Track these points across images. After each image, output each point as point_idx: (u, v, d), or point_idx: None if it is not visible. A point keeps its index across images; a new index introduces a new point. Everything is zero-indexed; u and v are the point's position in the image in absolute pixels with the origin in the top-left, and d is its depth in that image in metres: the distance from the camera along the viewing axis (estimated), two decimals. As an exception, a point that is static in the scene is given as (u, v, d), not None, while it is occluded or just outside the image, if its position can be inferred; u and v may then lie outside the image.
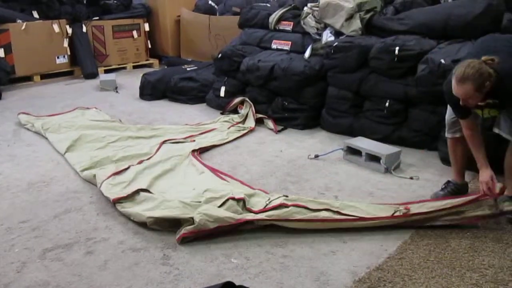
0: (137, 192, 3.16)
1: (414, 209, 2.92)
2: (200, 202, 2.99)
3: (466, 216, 2.88)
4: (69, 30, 7.33)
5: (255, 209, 2.96)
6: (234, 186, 3.34)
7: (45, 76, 7.19)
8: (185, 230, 2.75)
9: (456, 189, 3.25)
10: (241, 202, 2.97)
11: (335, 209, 2.91)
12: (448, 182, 3.31)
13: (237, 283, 2.09)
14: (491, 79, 2.61)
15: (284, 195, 3.10)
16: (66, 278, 2.45)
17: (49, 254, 2.66)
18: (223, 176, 3.57)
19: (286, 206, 2.92)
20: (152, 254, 2.65)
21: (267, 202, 3.01)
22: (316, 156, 4.02)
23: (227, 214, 2.82)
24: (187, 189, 3.36)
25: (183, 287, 2.37)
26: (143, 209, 2.98)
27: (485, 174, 2.88)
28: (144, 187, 3.26)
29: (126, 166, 3.67)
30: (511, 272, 2.46)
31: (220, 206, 2.92)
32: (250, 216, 2.86)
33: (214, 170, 3.68)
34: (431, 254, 2.62)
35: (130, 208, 3.04)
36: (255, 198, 3.10)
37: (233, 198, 2.96)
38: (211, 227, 2.74)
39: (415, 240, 2.76)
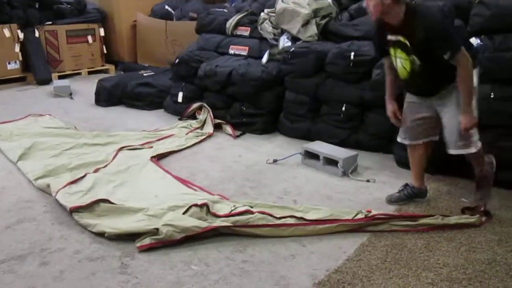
0: (97, 202, 3.08)
1: (375, 212, 2.98)
2: (163, 209, 2.96)
3: (420, 223, 2.95)
4: (21, 35, 7.13)
5: (220, 213, 2.95)
6: (197, 192, 3.33)
7: (-5, 82, 6.98)
8: (151, 240, 2.72)
9: (412, 193, 3.30)
10: (205, 207, 2.96)
11: (299, 215, 2.94)
12: (406, 185, 3.35)
13: (197, 290, 2.08)
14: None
15: (249, 204, 3.10)
16: (19, 290, 2.38)
17: (1, 266, 2.57)
18: (185, 182, 3.56)
19: (251, 212, 2.92)
20: (109, 263, 2.60)
21: (232, 208, 3.00)
22: (275, 161, 4.04)
23: (193, 223, 2.80)
24: (149, 196, 3.32)
25: (142, 296, 2.33)
26: (105, 223, 2.90)
27: (389, 107, 3.23)
28: (104, 197, 3.17)
29: (82, 175, 3.58)
30: (464, 271, 2.53)
31: (184, 213, 2.89)
32: (216, 223, 2.83)
33: (175, 176, 3.65)
34: (388, 255, 2.68)
35: (89, 219, 2.97)
36: (219, 205, 3.08)
37: (195, 205, 2.94)
38: (178, 237, 2.72)
39: (373, 241, 2.81)
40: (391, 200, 3.30)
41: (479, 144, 2.96)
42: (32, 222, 3.05)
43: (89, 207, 3.05)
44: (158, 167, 3.87)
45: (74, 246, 2.77)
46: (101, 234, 2.84)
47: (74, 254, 2.68)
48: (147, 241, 2.72)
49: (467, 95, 2.78)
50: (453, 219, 2.98)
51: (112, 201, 3.12)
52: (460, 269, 2.55)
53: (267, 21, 5.22)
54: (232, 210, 2.98)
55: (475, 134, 2.92)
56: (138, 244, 2.71)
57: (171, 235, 2.71)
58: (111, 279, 2.46)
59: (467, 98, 2.78)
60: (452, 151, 2.99)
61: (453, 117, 2.89)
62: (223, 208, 3.03)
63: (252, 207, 3.05)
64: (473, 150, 2.94)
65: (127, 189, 3.48)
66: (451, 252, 2.71)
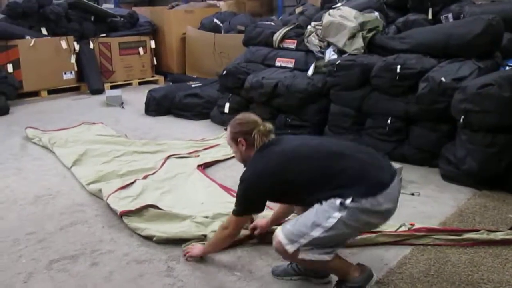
0: (146, 207, 3.18)
1: (418, 225, 2.97)
2: (208, 217, 3.05)
3: (465, 238, 2.91)
4: (77, 47, 7.48)
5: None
6: None
7: (52, 92, 7.32)
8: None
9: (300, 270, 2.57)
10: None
11: None
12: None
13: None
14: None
15: None
16: (71, 288, 2.50)
17: (55, 265, 2.71)
18: (229, 190, 3.63)
19: None
20: (156, 266, 2.70)
21: None
22: (319, 172, 4.06)
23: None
24: (195, 203, 3.42)
25: (187, 299, 2.41)
26: (154, 228, 3.00)
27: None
28: (152, 203, 3.28)
29: (132, 180, 3.72)
30: (510, 287, 2.49)
31: None
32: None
33: (220, 185, 3.74)
34: (431, 268, 2.66)
35: (138, 223, 3.08)
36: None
37: None
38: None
39: (415, 254, 2.80)
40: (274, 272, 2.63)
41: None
42: (84, 225, 3.19)
43: (138, 212, 3.16)
44: (204, 175, 3.97)
45: (123, 248, 2.89)
46: (149, 238, 2.95)
47: (123, 256, 2.80)
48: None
49: (209, 245, 2.67)
50: (499, 235, 2.92)
51: (160, 207, 3.22)
52: (506, 285, 2.51)
53: (313, 34, 5.28)
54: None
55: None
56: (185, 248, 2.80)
57: None
58: (157, 282, 2.55)
59: (208, 246, 2.68)
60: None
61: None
62: (267, 215, 3.07)
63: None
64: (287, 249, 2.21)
65: (174, 195, 3.59)
66: (497, 268, 2.67)
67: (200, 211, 3.22)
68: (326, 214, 2.14)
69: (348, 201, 2.10)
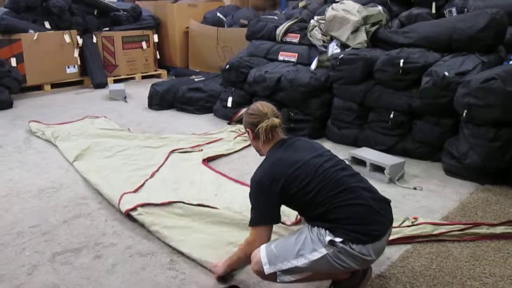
0: (170, 203, 3.14)
1: (421, 219, 2.98)
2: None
3: (466, 233, 2.92)
4: (80, 41, 7.48)
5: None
6: None
7: (55, 86, 7.32)
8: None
9: None
10: None
11: None
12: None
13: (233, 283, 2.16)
14: None
15: None
16: (75, 281, 2.51)
17: (58, 258, 2.73)
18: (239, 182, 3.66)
19: None
20: (159, 259, 2.71)
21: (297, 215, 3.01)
22: (321, 166, 4.07)
23: None
24: (209, 196, 3.42)
25: (189, 291, 2.43)
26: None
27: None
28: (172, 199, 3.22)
29: (141, 183, 3.62)
30: (511, 281, 2.50)
31: None
32: None
33: (227, 176, 3.76)
34: (433, 262, 2.67)
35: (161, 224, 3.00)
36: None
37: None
38: None
39: (417, 249, 2.80)
40: None
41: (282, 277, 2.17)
42: (87, 218, 3.21)
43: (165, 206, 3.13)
44: (210, 169, 3.97)
45: (126, 241, 2.90)
46: (152, 231, 2.95)
47: (126, 249, 2.81)
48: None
49: (234, 258, 2.44)
50: (499, 229, 2.94)
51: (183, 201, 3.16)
52: (507, 279, 2.51)
53: (316, 28, 5.27)
54: (297, 217, 2.99)
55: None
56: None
57: None
58: (160, 274, 2.57)
59: (232, 259, 2.45)
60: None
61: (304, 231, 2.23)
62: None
63: None
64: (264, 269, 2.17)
65: (187, 191, 3.54)
66: (498, 262, 2.67)
67: (216, 203, 3.23)
68: (313, 246, 2.10)
69: (338, 240, 2.04)
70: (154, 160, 4.14)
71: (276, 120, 2.35)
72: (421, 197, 3.53)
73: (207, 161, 4.20)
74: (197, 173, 3.88)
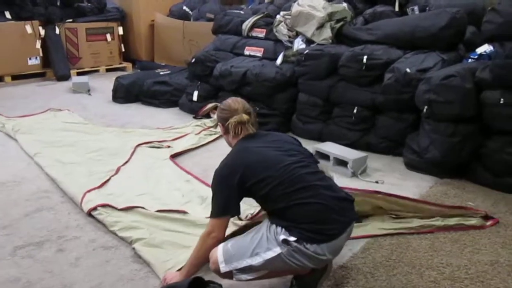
0: (133, 208, 3.08)
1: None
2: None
3: (423, 225, 3.02)
4: (42, 32, 7.30)
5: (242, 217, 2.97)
6: None
7: (16, 77, 7.14)
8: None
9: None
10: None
11: None
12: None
13: (206, 279, 2.16)
14: None
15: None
16: (37, 274, 2.48)
17: (20, 252, 2.69)
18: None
19: None
20: (123, 252, 2.70)
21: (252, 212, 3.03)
22: (286, 160, 4.11)
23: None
24: (176, 197, 3.37)
25: (154, 284, 2.43)
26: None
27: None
28: (133, 200, 3.20)
29: (106, 179, 3.57)
30: (467, 271, 2.59)
31: None
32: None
33: (197, 178, 3.71)
34: (393, 253, 2.74)
35: (117, 218, 2.98)
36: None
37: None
38: None
39: (378, 240, 2.88)
40: None
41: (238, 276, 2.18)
42: (50, 211, 3.16)
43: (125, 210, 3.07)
44: (178, 167, 3.93)
45: (90, 235, 2.88)
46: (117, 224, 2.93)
47: (90, 243, 2.79)
48: (178, 267, 2.50)
49: (190, 261, 2.32)
50: (452, 221, 3.05)
51: (144, 206, 3.10)
52: (463, 269, 2.61)
53: (282, 23, 5.31)
54: (253, 213, 3.00)
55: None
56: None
57: None
58: (124, 267, 2.56)
59: (188, 263, 2.33)
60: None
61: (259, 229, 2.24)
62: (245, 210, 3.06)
63: None
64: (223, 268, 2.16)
65: (153, 189, 3.49)
66: (455, 252, 2.77)
67: (181, 203, 3.23)
68: (267, 245, 2.11)
69: (292, 239, 2.06)
70: (119, 155, 4.09)
71: (245, 117, 2.36)
72: (383, 190, 3.59)
73: (173, 156, 4.18)
74: (165, 171, 3.84)
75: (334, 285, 2.44)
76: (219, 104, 2.53)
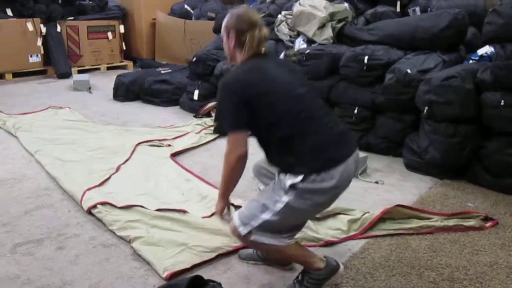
0: (133, 206, 3.08)
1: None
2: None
3: (422, 226, 3.02)
4: (43, 29, 7.32)
5: None
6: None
7: (17, 75, 7.16)
8: (181, 265, 2.53)
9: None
10: (238, 209, 2.97)
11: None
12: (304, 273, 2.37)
13: (205, 278, 2.17)
14: None
15: None
16: (37, 271, 2.49)
17: (20, 249, 2.69)
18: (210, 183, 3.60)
19: None
20: (123, 250, 2.71)
21: None
22: (286, 160, 4.12)
23: (223, 241, 2.75)
24: (176, 196, 3.38)
25: (153, 282, 2.43)
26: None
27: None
28: (133, 199, 3.21)
29: (107, 176, 3.58)
30: (466, 272, 2.59)
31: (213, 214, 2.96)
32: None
33: (198, 176, 3.70)
34: (392, 253, 2.75)
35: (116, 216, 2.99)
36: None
37: (232, 204, 2.96)
38: (210, 257, 2.63)
39: (378, 240, 2.88)
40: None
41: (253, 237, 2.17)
42: (50, 209, 3.17)
43: (127, 209, 3.07)
44: (178, 165, 3.93)
45: (89, 233, 2.88)
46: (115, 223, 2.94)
47: (89, 240, 2.80)
48: (177, 267, 2.50)
49: (221, 183, 2.29)
50: (452, 221, 3.05)
51: (144, 205, 3.10)
52: (462, 270, 2.61)
53: (283, 23, 5.32)
54: None
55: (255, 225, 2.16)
56: (166, 274, 2.44)
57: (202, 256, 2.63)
58: (124, 265, 2.56)
59: (220, 185, 2.31)
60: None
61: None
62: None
63: None
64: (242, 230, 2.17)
65: (153, 188, 3.49)
66: (454, 253, 2.77)
67: (181, 201, 3.24)
68: (275, 198, 2.10)
69: (299, 179, 2.02)
70: (119, 153, 4.09)
71: (266, 32, 2.24)
72: (382, 191, 3.61)
73: (174, 155, 4.18)
74: (165, 169, 3.84)
75: (333, 285, 2.44)
76: (230, 12, 2.30)
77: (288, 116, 2.09)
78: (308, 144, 2.08)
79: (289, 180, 2.06)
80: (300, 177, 2.03)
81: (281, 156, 2.12)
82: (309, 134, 2.09)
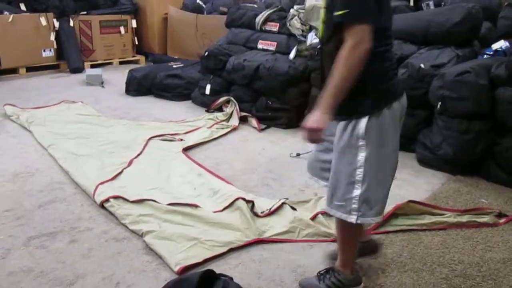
0: (145, 200, 3.09)
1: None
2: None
3: (435, 222, 3.00)
4: (56, 24, 7.35)
5: (259, 212, 3.01)
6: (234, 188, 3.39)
7: (30, 69, 7.20)
8: (193, 259, 2.55)
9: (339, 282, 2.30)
10: (250, 204, 3.00)
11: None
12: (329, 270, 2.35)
13: (217, 272, 2.17)
14: None
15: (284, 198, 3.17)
16: (50, 264, 2.51)
17: (33, 242, 2.72)
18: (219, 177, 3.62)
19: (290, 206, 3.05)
20: (135, 244, 2.72)
21: (270, 207, 3.05)
22: (298, 155, 4.12)
23: (235, 235, 2.77)
24: (188, 190, 3.39)
25: (165, 276, 2.44)
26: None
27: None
28: (145, 193, 3.22)
29: (119, 171, 3.61)
30: (479, 268, 2.58)
31: (228, 206, 3.01)
32: (257, 236, 2.80)
33: (211, 172, 3.70)
34: (404, 249, 2.73)
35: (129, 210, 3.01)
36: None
37: (243, 199, 3.02)
38: (221, 251, 2.64)
39: (390, 236, 2.87)
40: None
41: (368, 219, 2.11)
42: (63, 203, 3.20)
43: (139, 203, 3.08)
44: (190, 160, 3.93)
45: (102, 226, 2.90)
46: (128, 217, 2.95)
47: (102, 234, 2.82)
48: (189, 261, 2.52)
49: (332, 85, 1.85)
50: (465, 218, 3.04)
51: (157, 200, 3.11)
52: (475, 266, 2.59)
53: (296, 17, 5.29)
54: (270, 208, 3.03)
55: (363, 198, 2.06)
56: (177, 268, 2.46)
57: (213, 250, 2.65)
58: (136, 259, 2.58)
59: (329, 89, 1.87)
60: (326, 209, 2.25)
61: (336, 159, 2.10)
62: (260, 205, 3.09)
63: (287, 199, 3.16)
64: (351, 219, 2.08)
65: (165, 183, 3.50)
66: (467, 250, 2.75)
67: (194, 195, 3.27)
68: (351, 167, 2.00)
69: (364, 120, 1.94)
70: (131, 148, 4.11)
71: None
72: (394, 186, 3.52)
73: (186, 150, 4.19)
74: (177, 164, 3.84)
75: (344, 280, 2.43)
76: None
77: (386, 32, 1.96)
78: (387, 67, 2.00)
79: (361, 129, 1.96)
80: (376, 111, 1.96)
81: (370, 68, 1.87)
82: (389, 55, 2.03)
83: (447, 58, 4.02)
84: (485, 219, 3.03)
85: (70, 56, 7.42)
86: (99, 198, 3.14)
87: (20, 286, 2.34)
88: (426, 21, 4.36)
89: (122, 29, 8.13)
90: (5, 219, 2.96)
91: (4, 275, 2.42)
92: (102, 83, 6.59)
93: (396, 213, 3.01)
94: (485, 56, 4.12)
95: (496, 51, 4.07)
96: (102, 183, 3.34)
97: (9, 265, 2.50)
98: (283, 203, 3.09)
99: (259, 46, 5.51)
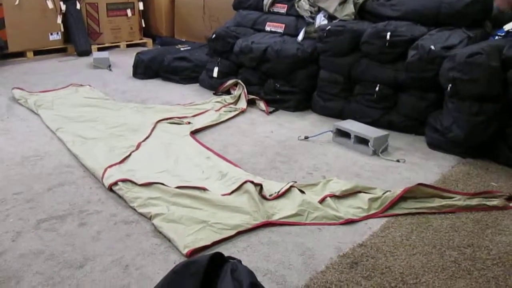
0: (153, 184, 3.08)
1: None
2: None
3: (444, 205, 2.98)
4: (63, 7, 7.31)
5: (267, 195, 3.01)
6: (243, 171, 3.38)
7: (38, 53, 7.18)
8: (202, 242, 2.55)
9: None
10: (259, 187, 3.00)
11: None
12: None
13: (226, 255, 2.17)
14: None
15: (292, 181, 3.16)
16: (59, 247, 2.52)
17: (43, 225, 2.73)
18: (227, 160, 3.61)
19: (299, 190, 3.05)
20: (143, 226, 2.73)
21: (278, 190, 3.05)
22: (306, 138, 4.10)
23: (242, 219, 2.77)
24: (197, 171, 3.40)
25: (174, 259, 2.45)
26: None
27: None
28: (154, 176, 3.23)
29: (128, 154, 3.61)
30: (488, 252, 2.56)
31: (236, 190, 3.01)
32: (265, 219, 2.79)
33: (219, 155, 3.70)
34: (413, 232, 2.72)
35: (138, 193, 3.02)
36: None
37: (251, 182, 3.02)
38: (230, 234, 2.64)
39: (399, 219, 2.86)
40: None
41: None
42: (72, 186, 3.20)
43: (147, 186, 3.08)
44: (198, 143, 3.92)
45: (111, 209, 2.91)
46: (136, 200, 2.96)
47: (111, 217, 2.82)
48: (198, 244, 2.52)
49: None
50: (475, 201, 3.02)
51: (165, 183, 3.10)
52: (484, 250, 2.58)
53: (304, -1, 5.23)
54: (279, 191, 3.03)
55: None
56: (186, 251, 2.47)
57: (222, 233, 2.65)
58: (144, 242, 2.59)
59: None
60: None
61: None
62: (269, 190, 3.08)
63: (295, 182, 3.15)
64: None
65: (172, 166, 3.50)
66: (477, 233, 2.74)
67: (202, 178, 3.27)
68: None
69: None
70: (140, 131, 4.10)
71: None
72: (404, 169, 3.57)
73: (193, 133, 4.18)
74: (185, 147, 3.84)
75: (353, 263, 2.43)
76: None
77: None
78: None
79: None
80: None
81: None
82: None
83: (458, 39, 3.96)
84: (495, 202, 3.01)
85: (77, 39, 7.39)
86: (107, 181, 3.15)
87: (31, 268, 2.35)
88: (437, 1, 4.30)
89: (129, 11, 8.08)
90: (15, 202, 2.98)
91: (15, 257, 2.44)
92: (109, 66, 6.57)
93: (405, 196, 3.00)
94: (496, 37, 4.06)
95: (508, 32, 4.00)
96: (110, 166, 3.35)
97: (20, 247, 2.52)
98: (291, 186, 3.08)
99: (267, 28, 5.47)
